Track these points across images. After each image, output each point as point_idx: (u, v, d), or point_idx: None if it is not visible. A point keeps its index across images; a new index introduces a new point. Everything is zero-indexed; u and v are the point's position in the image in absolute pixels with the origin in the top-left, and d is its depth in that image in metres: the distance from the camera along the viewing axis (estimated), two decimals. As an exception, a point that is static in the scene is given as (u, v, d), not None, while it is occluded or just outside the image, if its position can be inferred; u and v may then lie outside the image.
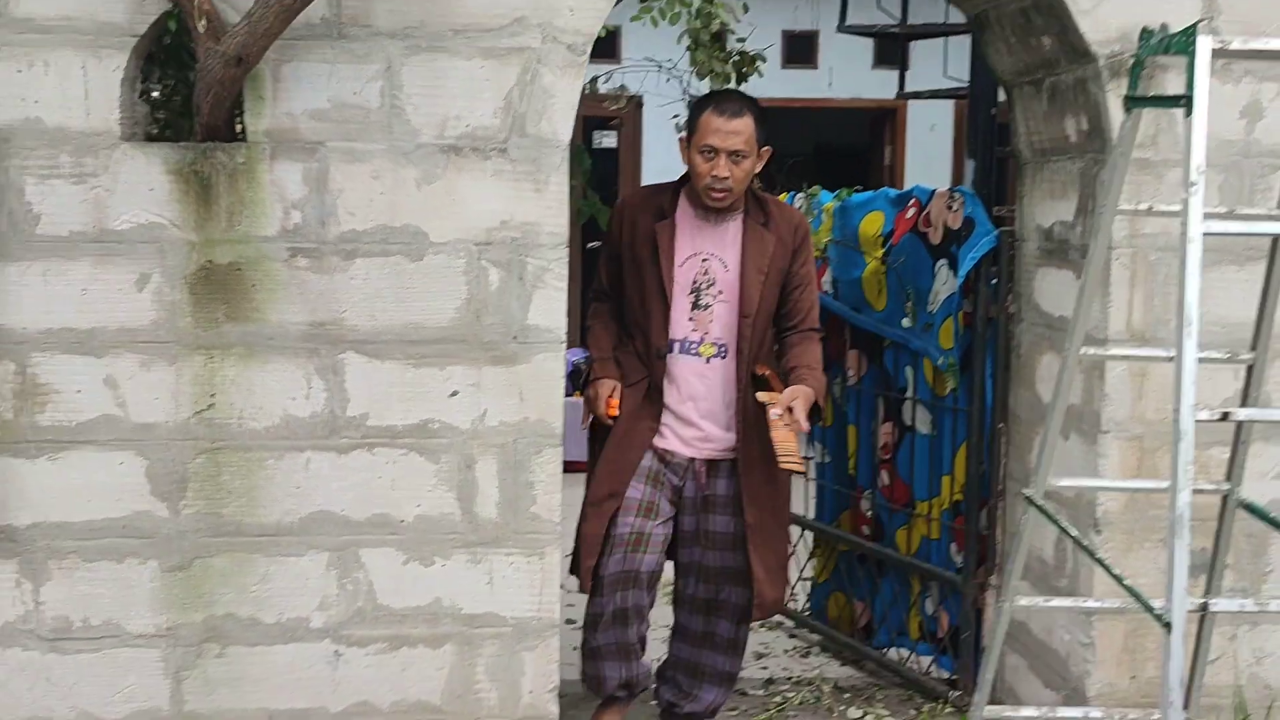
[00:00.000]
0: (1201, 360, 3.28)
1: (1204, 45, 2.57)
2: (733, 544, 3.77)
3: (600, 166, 8.23)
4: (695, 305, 3.68)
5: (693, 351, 3.71)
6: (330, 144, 3.39)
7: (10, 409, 3.38)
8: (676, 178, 3.85)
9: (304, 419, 3.45)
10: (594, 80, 4.89)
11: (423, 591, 3.52)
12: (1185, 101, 2.60)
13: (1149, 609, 2.63)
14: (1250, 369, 3.17)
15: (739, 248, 3.66)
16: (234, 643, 3.50)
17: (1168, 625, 2.54)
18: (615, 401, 3.70)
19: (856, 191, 4.97)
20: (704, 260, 3.67)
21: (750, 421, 3.69)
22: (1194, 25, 2.66)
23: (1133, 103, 2.99)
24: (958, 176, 8.77)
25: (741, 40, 4.60)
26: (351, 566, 3.50)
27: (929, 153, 9.16)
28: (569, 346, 3.65)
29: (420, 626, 3.53)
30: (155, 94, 4.44)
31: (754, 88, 5.93)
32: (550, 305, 3.49)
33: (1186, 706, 3.48)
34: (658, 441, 3.75)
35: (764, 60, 4.30)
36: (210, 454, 3.45)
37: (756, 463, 3.71)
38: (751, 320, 3.66)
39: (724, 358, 3.69)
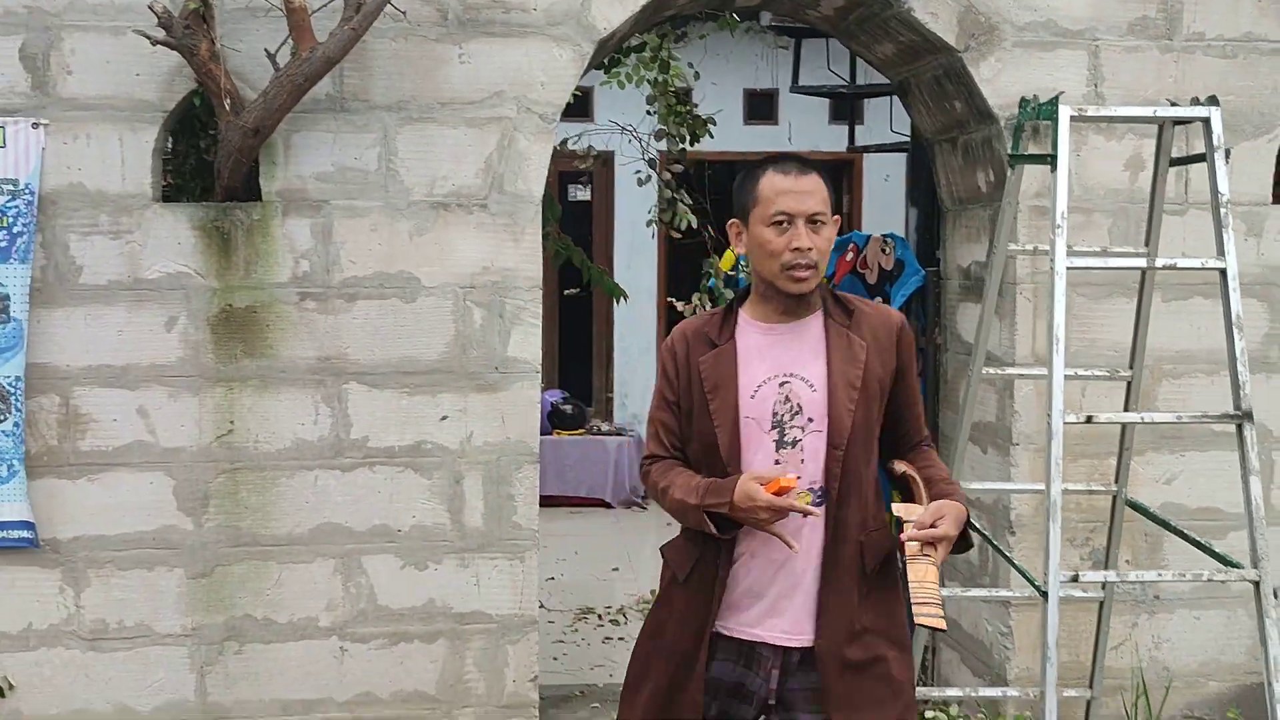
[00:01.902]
0: (1087, 377, 3.82)
1: (1064, 113, 3.11)
2: None
3: (574, 217, 8.77)
4: (780, 443, 2.65)
5: None
6: (334, 202, 3.90)
7: (55, 436, 3.86)
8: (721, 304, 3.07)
9: (312, 442, 3.93)
10: (564, 141, 5.42)
11: (418, 593, 4.00)
12: (1051, 159, 3.14)
13: (1030, 581, 3.13)
14: (1129, 384, 3.69)
15: (824, 358, 2.67)
16: (251, 641, 3.96)
17: (1044, 594, 3.04)
18: (781, 482, 2.53)
19: (803, 238, 5.50)
20: (783, 383, 2.65)
21: (839, 560, 2.64)
22: (1056, 97, 3.20)
23: (1014, 159, 3.52)
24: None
25: (695, 105, 5.14)
26: (355, 572, 3.97)
27: (884, 201, 9.71)
28: (546, 388, 3.99)
29: (416, 624, 4.00)
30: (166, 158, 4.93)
31: (720, 143, 6.47)
32: (527, 340, 3.99)
33: (1091, 687, 3.98)
34: (735, 630, 2.69)
35: (714, 123, 4.83)
36: (229, 474, 3.92)
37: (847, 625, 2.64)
38: (843, 451, 2.62)
39: (822, 505, 2.63)
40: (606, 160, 8.62)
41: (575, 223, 8.34)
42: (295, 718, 3.96)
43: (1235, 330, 3.11)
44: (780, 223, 2.59)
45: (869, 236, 5.09)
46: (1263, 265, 4.25)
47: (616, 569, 7.13)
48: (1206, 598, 4.29)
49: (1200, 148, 3.98)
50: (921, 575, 2.44)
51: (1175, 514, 4.14)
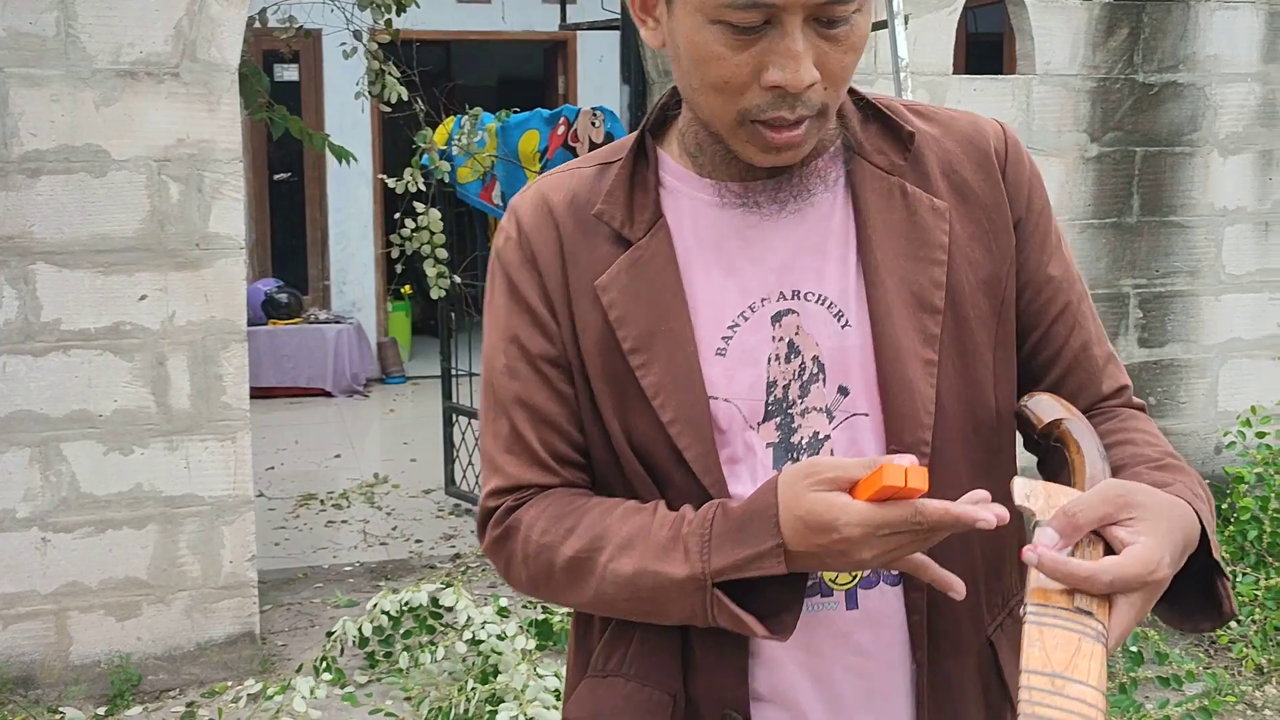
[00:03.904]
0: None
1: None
2: None
3: (283, 99, 8.45)
4: (786, 446, 1.25)
5: (814, 588, 1.24)
6: (9, 70, 3.65)
7: None
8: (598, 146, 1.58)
9: (-1, 326, 3.73)
10: (263, 11, 5.21)
11: (124, 479, 3.87)
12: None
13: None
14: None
15: (855, 249, 1.27)
16: (-58, 538, 3.77)
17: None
18: (887, 476, 1.05)
19: (515, 112, 5.49)
20: (781, 315, 1.26)
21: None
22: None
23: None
24: (626, 104, 9.40)
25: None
26: (54, 460, 3.81)
27: (599, 82, 9.75)
28: (259, 276, 3.85)
29: (124, 510, 3.88)
30: None
31: (430, 21, 6.34)
32: (228, 215, 3.87)
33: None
34: None
35: (422, -8, 4.74)
36: (-93, 363, 3.69)
37: None
38: (925, 456, 1.22)
39: (894, 582, 1.25)
40: (315, 39, 8.35)
41: (284, 104, 8.03)
42: (-4, 613, 3.81)
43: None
44: (744, 27, 1.11)
45: (579, 110, 5.14)
46: (944, 133, 4.51)
47: (339, 455, 7.06)
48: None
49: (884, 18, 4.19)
50: (1048, 657, 0.99)
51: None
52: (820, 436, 1.24)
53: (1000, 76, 4.71)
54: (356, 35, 4.80)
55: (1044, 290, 1.31)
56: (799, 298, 1.25)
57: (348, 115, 8.59)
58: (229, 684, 3.88)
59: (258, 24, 5.24)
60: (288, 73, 8.87)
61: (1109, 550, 1.05)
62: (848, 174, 1.29)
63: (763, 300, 1.26)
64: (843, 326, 1.25)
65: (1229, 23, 4.84)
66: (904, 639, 1.24)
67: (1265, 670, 4.02)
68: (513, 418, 1.29)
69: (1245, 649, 4.12)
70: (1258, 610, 4.23)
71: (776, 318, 1.26)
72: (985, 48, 8.11)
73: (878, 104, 1.30)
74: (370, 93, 4.80)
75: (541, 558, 1.25)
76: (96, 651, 3.88)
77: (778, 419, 1.25)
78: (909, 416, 1.22)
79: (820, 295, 1.26)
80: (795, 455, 1.24)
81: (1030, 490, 1.11)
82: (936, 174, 1.29)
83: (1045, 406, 1.24)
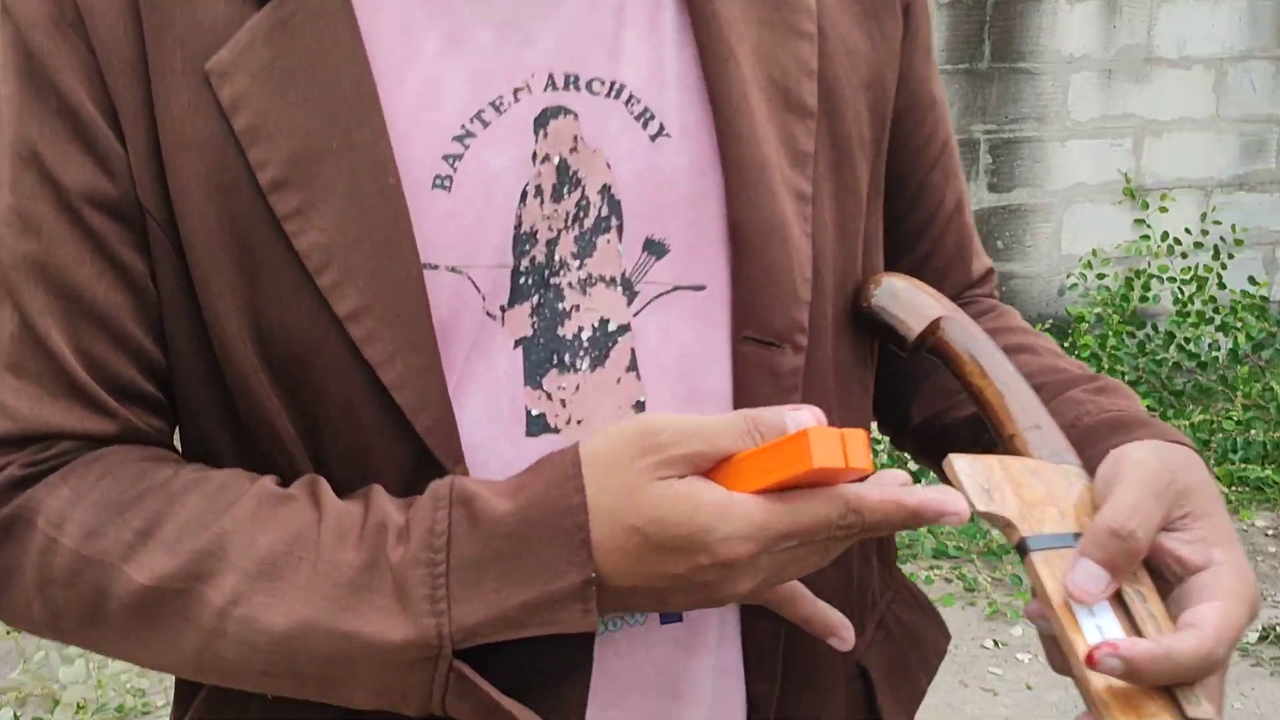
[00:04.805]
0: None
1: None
2: None
3: None
4: (546, 349, 0.73)
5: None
6: None
7: None
8: None
9: None
10: None
11: None
12: None
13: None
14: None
15: (675, 10, 0.76)
16: None
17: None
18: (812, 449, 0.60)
19: None
20: (549, 115, 0.73)
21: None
22: None
23: None
24: None
25: None
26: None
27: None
28: None
29: None
30: None
31: None
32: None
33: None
34: None
35: None
36: None
37: None
38: (805, 334, 0.75)
39: None
40: None
41: None
42: None
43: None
44: None
45: None
46: None
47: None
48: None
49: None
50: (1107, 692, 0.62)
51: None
52: (611, 328, 0.73)
53: (860, -72, 4.64)
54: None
55: (926, 119, 0.87)
56: (577, 86, 0.73)
57: None
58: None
59: None
60: None
61: (1151, 572, 0.68)
62: None
63: (516, 92, 0.73)
64: (654, 137, 0.74)
65: None
66: (741, 665, 0.78)
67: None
68: (25, 307, 0.71)
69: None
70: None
71: (541, 121, 0.73)
72: None
73: None
74: None
75: (83, 580, 0.68)
76: None
77: (535, 298, 0.72)
78: (779, 286, 0.73)
79: (615, 84, 0.74)
80: (565, 361, 0.73)
81: (988, 479, 0.67)
82: None
83: (906, 298, 0.77)
